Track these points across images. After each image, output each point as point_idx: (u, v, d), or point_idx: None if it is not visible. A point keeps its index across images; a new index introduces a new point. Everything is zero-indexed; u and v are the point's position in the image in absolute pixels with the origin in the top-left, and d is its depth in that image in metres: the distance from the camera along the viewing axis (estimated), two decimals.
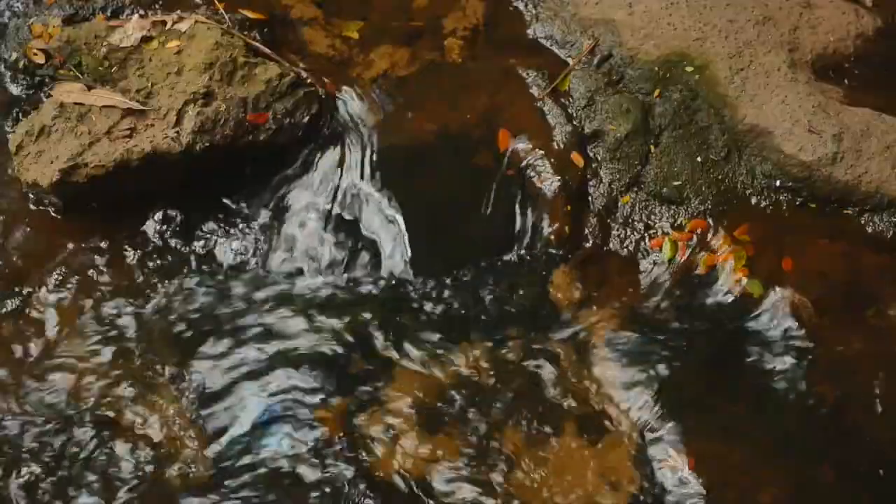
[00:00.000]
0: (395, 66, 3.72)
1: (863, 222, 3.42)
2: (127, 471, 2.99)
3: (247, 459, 3.03)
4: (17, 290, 3.28)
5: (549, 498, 2.98)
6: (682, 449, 3.05)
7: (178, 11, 3.64)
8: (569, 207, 3.42)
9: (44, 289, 3.29)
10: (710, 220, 3.42)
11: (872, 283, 3.30)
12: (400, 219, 3.42)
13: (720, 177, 3.50)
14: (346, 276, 3.37)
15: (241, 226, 3.44)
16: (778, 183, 3.47)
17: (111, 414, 3.08)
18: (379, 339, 3.24)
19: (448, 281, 3.36)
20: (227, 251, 3.40)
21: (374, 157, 3.51)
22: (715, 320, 3.28)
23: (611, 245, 3.44)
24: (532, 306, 3.33)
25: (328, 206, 3.46)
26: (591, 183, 3.50)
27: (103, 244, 3.38)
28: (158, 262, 3.36)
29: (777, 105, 3.50)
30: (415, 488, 2.99)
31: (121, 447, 3.03)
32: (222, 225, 3.44)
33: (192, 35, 3.51)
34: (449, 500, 2.97)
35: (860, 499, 3.00)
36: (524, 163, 3.47)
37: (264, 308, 3.29)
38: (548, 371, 3.20)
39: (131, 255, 3.37)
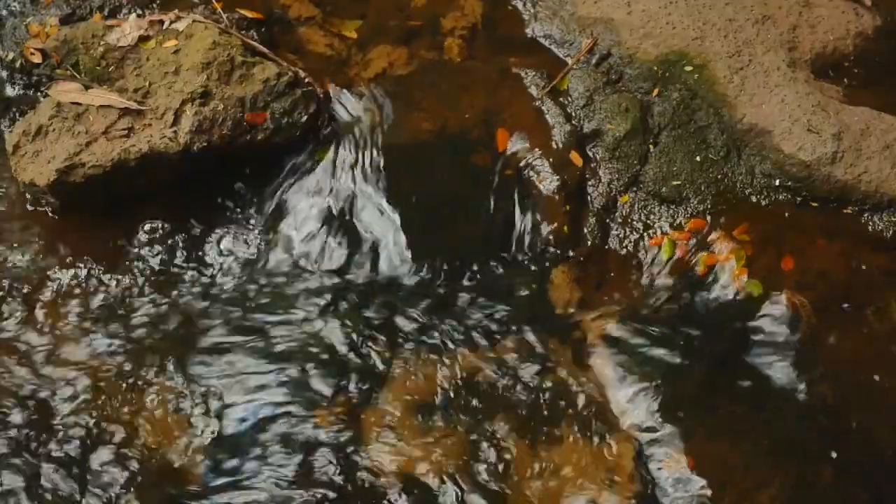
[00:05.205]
0: (394, 66, 3.71)
1: (863, 221, 3.42)
2: (124, 471, 2.98)
3: (244, 459, 3.02)
4: (14, 290, 3.27)
5: (549, 498, 2.98)
6: (682, 449, 3.04)
7: (176, 11, 3.63)
8: (567, 207, 3.42)
9: (41, 289, 3.28)
10: (710, 220, 3.42)
11: (872, 283, 3.30)
12: (398, 219, 3.42)
13: (719, 176, 3.49)
14: (344, 275, 3.36)
15: (238, 226, 3.43)
16: (777, 182, 3.46)
17: (109, 414, 3.07)
18: (377, 339, 3.23)
19: (447, 281, 3.35)
20: (224, 251, 3.39)
21: (373, 157, 3.50)
22: (714, 320, 3.28)
23: (610, 245, 3.44)
24: (531, 306, 3.32)
25: (326, 206, 3.45)
26: (589, 182, 3.49)
27: (101, 244, 3.37)
28: (156, 262, 3.35)
29: (776, 104, 3.50)
30: (414, 489, 2.98)
31: (118, 447, 3.02)
32: (220, 225, 3.43)
33: (189, 34, 3.50)
34: (448, 500, 2.96)
35: (860, 499, 3.00)
36: (523, 162, 3.47)
37: (262, 308, 3.28)
38: (547, 371, 3.19)
39: (129, 255, 3.36)
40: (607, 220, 3.46)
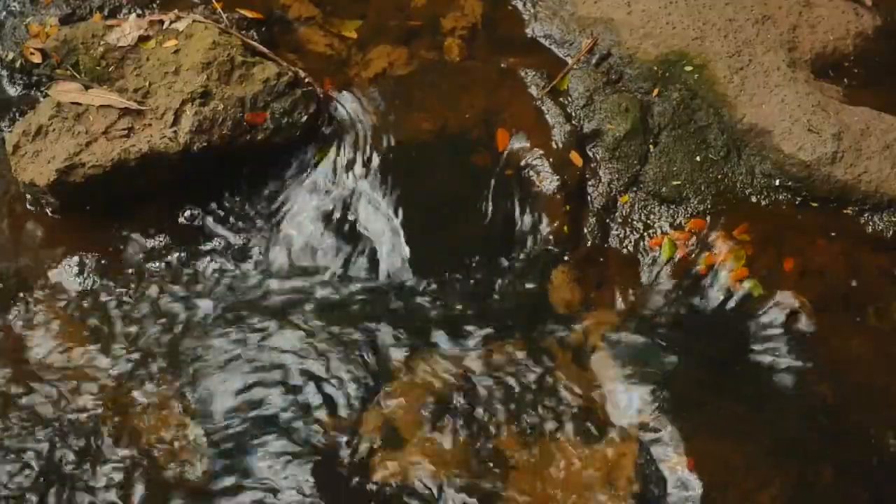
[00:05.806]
0: (394, 66, 3.71)
1: (863, 222, 3.42)
2: (125, 473, 2.98)
3: (245, 461, 3.02)
4: (13, 290, 3.27)
5: (549, 498, 2.98)
6: (682, 449, 3.04)
7: (176, 10, 3.63)
8: (567, 207, 3.42)
9: (41, 289, 3.28)
10: (710, 220, 3.42)
11: (872, 283, 3.30)
12: (398, 219, 3.42)
13: (719, 176, 3.49)
14: (344, 276, 3.36)
15: (238, 226, 3.43)
16: (777, 182, 3.46)
17: (108, 416, 3.07)
18: (377, 340, 3.23)
19: (447, 281, 3.35)
20: (224, 252, 3.39)
21: (372, 157, 3.50)
22: (714, 320, 3.27)
23: (610, 245, 3.44)
24: (531, 306, 3.32)
25: (326, 206, 3.45)
26: (589, 182, 3.49)
27: (100, 244, 3.37)
28: (155, 262, 3.35)
29: (776, 104, 3.50)
30: (414, 490, 2.98)
31: (118, 449, 3.02)
32: (220, 225, 3.43)
33: (189, 34, 3.50)
34: (448, 501, 2.96)
35: (860, 499, 2.99)
36: (523, 162, 3.47)
37: (262, 309, 3.28)
38: (547, 371, 3.19)
39: (128, 256, 3.36)
40: (607, 220, 3.46)
